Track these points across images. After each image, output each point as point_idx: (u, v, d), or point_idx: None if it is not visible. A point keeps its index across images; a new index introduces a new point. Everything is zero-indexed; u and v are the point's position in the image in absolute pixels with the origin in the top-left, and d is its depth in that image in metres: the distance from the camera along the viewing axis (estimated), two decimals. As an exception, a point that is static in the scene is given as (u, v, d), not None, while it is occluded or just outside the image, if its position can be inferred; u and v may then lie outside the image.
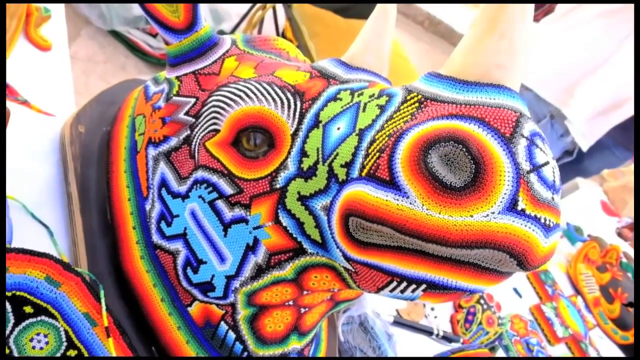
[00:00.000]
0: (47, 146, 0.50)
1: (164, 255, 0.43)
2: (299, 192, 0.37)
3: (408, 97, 0.35)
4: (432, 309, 0.78)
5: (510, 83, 0.33)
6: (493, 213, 0.29)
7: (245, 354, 0.43)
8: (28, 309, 0.38)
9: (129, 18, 2.05)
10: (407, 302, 0.75)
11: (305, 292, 0.41)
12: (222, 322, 0.43)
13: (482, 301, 0.80)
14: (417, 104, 0.34)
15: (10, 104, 0.54)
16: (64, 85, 0.79)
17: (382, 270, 0.33)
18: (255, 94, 0.40)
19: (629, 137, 1.55)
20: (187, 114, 0.44)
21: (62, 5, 0.91)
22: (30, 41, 0.79)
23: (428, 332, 0.74)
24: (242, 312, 0.42)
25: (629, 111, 1.22)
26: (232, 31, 2.18)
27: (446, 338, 0.75)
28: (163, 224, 0.43)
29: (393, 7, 0.43)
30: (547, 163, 0.31)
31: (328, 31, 1.93)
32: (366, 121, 0.35)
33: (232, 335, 0.43)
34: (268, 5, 1.96)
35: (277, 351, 0.45)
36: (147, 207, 0.45)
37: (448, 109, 0.32)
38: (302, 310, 0.44)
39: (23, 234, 0.44)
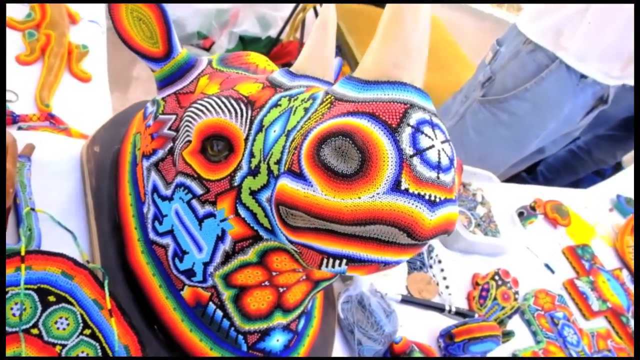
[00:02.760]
0: (71, 165, 0.60)
1: (159, 249, 0.51)
2: (250, 188, 0.44)
3: (324, 99, 0.40)
4: (447, 287, 0.81)
5: (407, 79, 0.37)
6: (378, 194, 0.34)
7: (232, 328, 0.51)
8: (51, 298, 0.48)
9: (183, 36, 2.21)
10: (419, 281, 0.79)
11: (274, 273, 0.48)
12: (211, 302, 0.50)
13: (496, 277, 0.82)
14: (329, 105, 0.39)
15: (44, 134, 0.65)
16: (104, 109, 0.91)
17: (313, 249, 0.39)
18: (214, 108, 0.47)
19: None
20: (169, 129, 0.52)
21: (104, 41, 1.04)
22: (73, 75, 0.91)
23: (440, 308, 0.78)
24: (226, 293, 0.50)
25: None
26: (278, 35, 2.27)
27: (460, 314, 0.78)
28: (156, 223, 0.52)
29: (333, 18, 0.49)
30: (431, 147, 0.35)
31: (368, 24, 1.97)
32: (293, 123, 0.41)
33: (219, 313, 0.50)
34: (308, 6, 2.03)
35: (262, 326, 0.52)
36: (145, 210, 0.53)
37: (347, 107, 0.37)
38: (281, 289, 0.51)
39: (53, 239, 0.54)
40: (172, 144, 0.51)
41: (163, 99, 0.55)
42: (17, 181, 0.54)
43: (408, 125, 0.35)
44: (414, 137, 0.35)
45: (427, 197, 0.35)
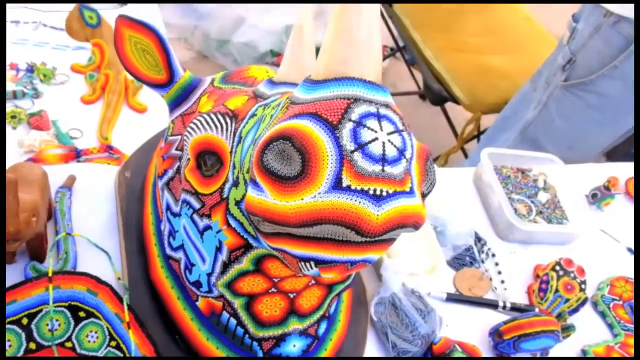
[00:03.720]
0: (108, 191, 0.66)
1: (174, 263, 0.54)
2: (234, 199, 0.45)
3: (284, 104, 0.40)
4: (502, 281, 0.76)
5: (355, 72, 0.37)
6: (319, 193, 0.34)
7: (247, 335, 0.52)
8: (82, 314, 0.53)
9: (257, 56, 2.30)
10: (468, 277, 0.75)
11: (276, 280, 0.48)
12: (224, 311, 0.52)
13: (557, 268, 0.75)
14: (285, 109, 0.39)
15: (89, 165, 0.72)
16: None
17: (287, 253, 0.39)
18: (202, 124, 0.49)
19: None
20: (176, 149, 0.55)
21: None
22: (130, 107, 0.99)
23: (492, 305, 0.73)
24: (236, 302, 0.51)
25: None
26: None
27: (517, 309, 0.73)
28: (171, 239, 0.55)
29: (308, 21, 0.49)
30: (374, 140, 0.34)
31: (433, 18, 1.91)
32: (260, 131, 0.42)
33: (233, 321, 0.52)
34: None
35: (277, 332, 0.52)
36: (162, 227, 0.57)
37: (295, 110, 0.37)
38: (291, 295, 0.51)
39: (91, 260, 0.59)
40: (178, 163, 0.54)
41: (172, 121, 0.58)
42: (56, 209, 0.60)
43: (349, 120, 0.35)
44: (355, 131, 0.34)
45: (371, 192, 0.33)
